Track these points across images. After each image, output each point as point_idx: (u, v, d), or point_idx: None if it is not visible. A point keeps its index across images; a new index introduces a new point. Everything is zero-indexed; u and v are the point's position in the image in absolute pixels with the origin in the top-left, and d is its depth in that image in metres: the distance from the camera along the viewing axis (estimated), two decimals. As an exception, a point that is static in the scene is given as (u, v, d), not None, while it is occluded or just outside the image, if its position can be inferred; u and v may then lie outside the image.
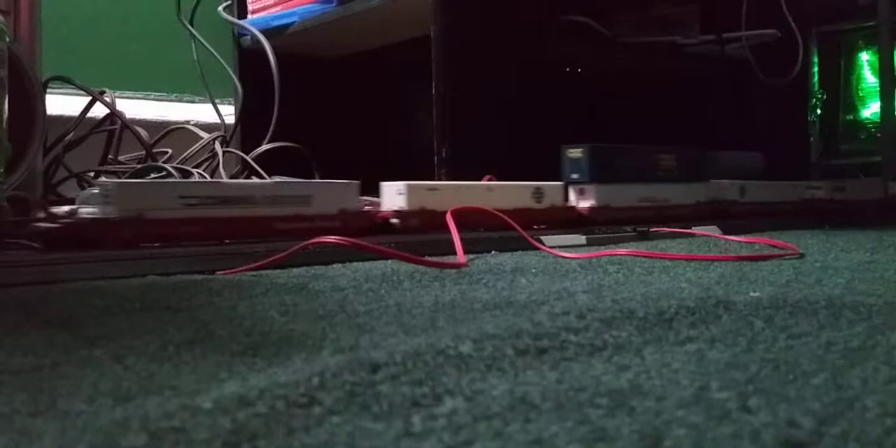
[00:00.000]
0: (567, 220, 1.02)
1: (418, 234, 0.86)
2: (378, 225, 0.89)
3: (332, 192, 0.86)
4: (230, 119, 1.45)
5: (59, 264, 0.64)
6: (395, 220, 0.88)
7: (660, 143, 1.41)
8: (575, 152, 1.07)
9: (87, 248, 0.70)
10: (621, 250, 0.79)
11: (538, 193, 1.00)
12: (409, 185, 0.88)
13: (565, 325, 0.38)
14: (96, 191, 0.99)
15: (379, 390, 0.28)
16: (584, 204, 1.04)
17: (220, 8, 1.43)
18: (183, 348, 0.38)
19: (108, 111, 1.34)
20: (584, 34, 1.33)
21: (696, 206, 1.19)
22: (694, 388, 0.28)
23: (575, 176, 1.05)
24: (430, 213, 0.87)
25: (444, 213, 0.82)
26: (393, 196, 0.89)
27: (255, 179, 0.80)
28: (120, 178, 1.27)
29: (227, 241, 0.77)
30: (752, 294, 0.49)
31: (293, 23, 1.36)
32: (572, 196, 1.05)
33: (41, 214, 0.72)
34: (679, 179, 1.18)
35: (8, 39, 1.03)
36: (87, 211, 0.71)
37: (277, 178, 1.03)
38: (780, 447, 0.22)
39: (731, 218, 1.18)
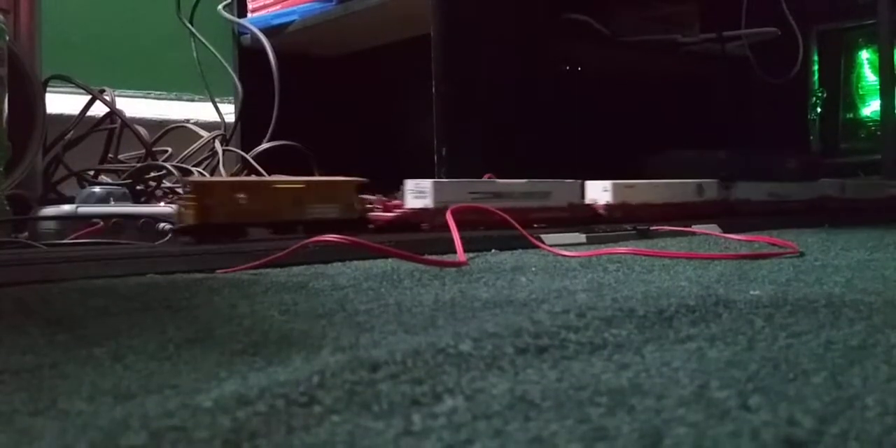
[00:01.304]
0: (721, 211, 1.19)
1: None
2: (594, 216, 1.05)
3: (564, 189, 1.03)
4: (230, 118, 1.45)
5: (59, 263, 0.64)
6: (602, 212, 1.05)
7: (659, 141, 1.41)
8: (721, 154, 1.37)
9: (411, 230, 0.89)
10: (621, 249, 0.79)
11: (699, 189, 1.17)
12: (613, 183, 1.06)
13: (565, 323, 0.38)
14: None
15: (379, 389, 0.28)
16: (736, 197, 1.24)
17: (220, 7, 1.43)
18: (183, 347, 0.38)
19: (107, 110, 1.34)
20: (584, 33, 1.33)
21: (809, 202, 1.33)
22: (694, 387, 0.28)
23: (723, 173, 1.26)
24: (629, 206, 1.07)
25: (640, 205, 1.06)
26: (599, 192, 1.05)
27: (513, 180, 0.99)
28: (120, 177, 1.27)
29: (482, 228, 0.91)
30: (752, 292, 0.49)
31: (293, 21, 1.36)
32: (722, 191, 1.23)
33: (378, 207, 0.92)
34: (798, 178, 1.38)
35: (8, 38, 1.03)
36: (412, 204, 0.91)
37: (277, 177, 1.03)
38: (780, 446, 0.22)
39: (834, 213, 1.32)
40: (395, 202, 0.92)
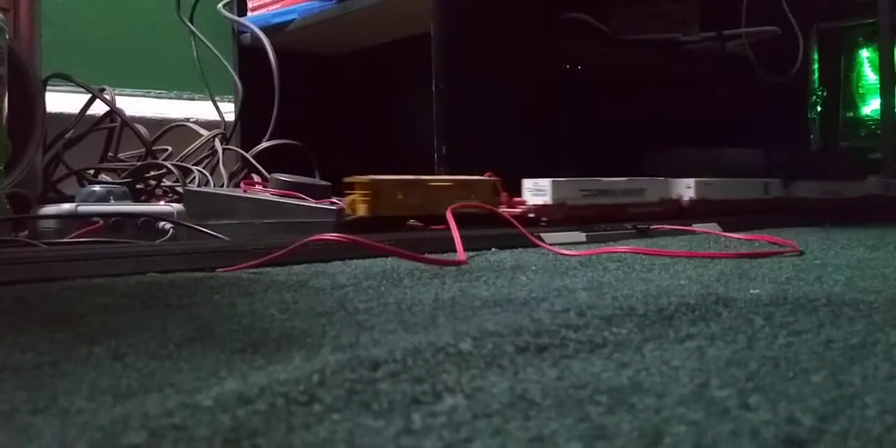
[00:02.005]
0: (785, 207, 1.27)
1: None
2: (679, 210, 1.14)
3: (656, 186, 1.13)
4: (230, 116, 1.45)
5: (59, 262, 0.64)
6: (686, 207, 1.15)
7: (659, 140, 1.41)
8: (781, 156, 1.45)
9: (536, 224, 0.97)
10: (621, 247, 0.79)
11: (766, 187, 1.27)
12: (696, 181, 1.15)
13: (565, 322, 0.38)
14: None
15: (379, 388, 0.28)
16: (795, 195, 1.32)
17: (220, 5, 1.43)
18: (183, 346, 0.38)
19: (107, 108, 1.34)
20: (584, 31, 1.33)
21: (858, 199, 1.40)
22: (694, 386, 0.28)
23: (782, 173, 1.34)
24: (709, 201, 1.17)
25: (718, 201, 1.16)
26: (682, 189, 1.16)
27: (615, 178, 1.09)
28: (120, 175, 1.27)
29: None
30: (752, 291, 0.49)
31: (293, 20, 1.36)
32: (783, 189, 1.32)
33: (506, 203, 1.01)
34: (848, 177, 1.45)
35: (8, 37, 1.03)
36: (532, 201, 1.00)
37: (277, 176, 1.03)
38: (779, 444, 0.22)
39: (879, 208, 1.38)
40: (519, 199, 1.01)
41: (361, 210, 0.88)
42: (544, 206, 0.99)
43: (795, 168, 1.39)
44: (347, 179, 0.91)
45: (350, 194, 0.90)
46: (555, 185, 1.00)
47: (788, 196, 1.29)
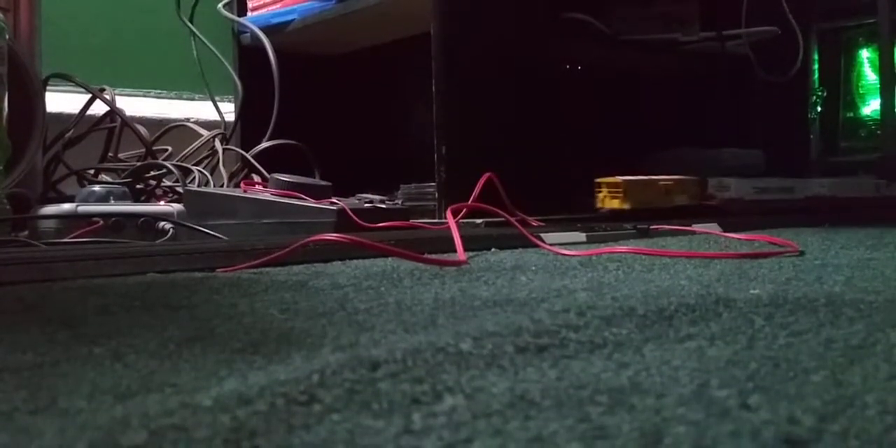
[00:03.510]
0: (881, 205, 1.38)
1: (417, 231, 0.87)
2: (819, 205, 1.29)
3: (803, 185, 1.29)
4: (230, 117, 1.45)
5: (59, 262, 0.64)
6: (822, 203, 1.30)
7: (659, 140, 1.41)
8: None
9: (724, 217, 1.09)
10: (621, 248, 0.79)
11: (878, 186, 1.41)
12: (830, 180, 1.33)
13: (565, 322, 0.38)
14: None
15: (379, 388, 0.28)
16: (888, 193, 1.44)
17: (220, 5, 1.43)
18: (183, 346, 0.38)
19: (107, 109, 1.34)
20: (585, 32, 1.33)
21: None
22: (694, 386, 0.28)
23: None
24: (839, 199, 1.32)
25: (846, 199, 1.32)
26: (816, 187, 1.32)
27: (773, 177, 1.26)
28: (120, 175, 1.27)
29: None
30: (752, 291, 0.49)
31: (293, 20, 1.36)
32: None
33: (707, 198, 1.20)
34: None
35: (8, 37, 1.03)
36: (721, 196, 1.20)
37: (277, 176, 1.03)
38: (780, 445, 0.22)
39: None
40: (710, 193, 1.20)
41: (614, 204, 1.11)
42: (730, 200, 1.20)
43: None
44: (598, 180, 1.13)
45: (599, 192, 1.12)
46: (737, 184, 1.22)
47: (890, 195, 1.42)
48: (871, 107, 1.86)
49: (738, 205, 1.21)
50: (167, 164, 1.24)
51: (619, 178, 1.12)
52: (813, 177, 1.38)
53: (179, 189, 1.17)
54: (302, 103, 1.40)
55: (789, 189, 1.28)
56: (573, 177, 1.20)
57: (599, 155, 1.36)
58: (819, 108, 1.82)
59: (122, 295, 0.53)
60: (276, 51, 1.32)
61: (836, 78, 1.88)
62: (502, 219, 0.94)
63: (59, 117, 1.35)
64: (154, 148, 1.34)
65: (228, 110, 1.48)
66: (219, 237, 0.88)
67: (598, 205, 1.12)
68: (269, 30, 1.36)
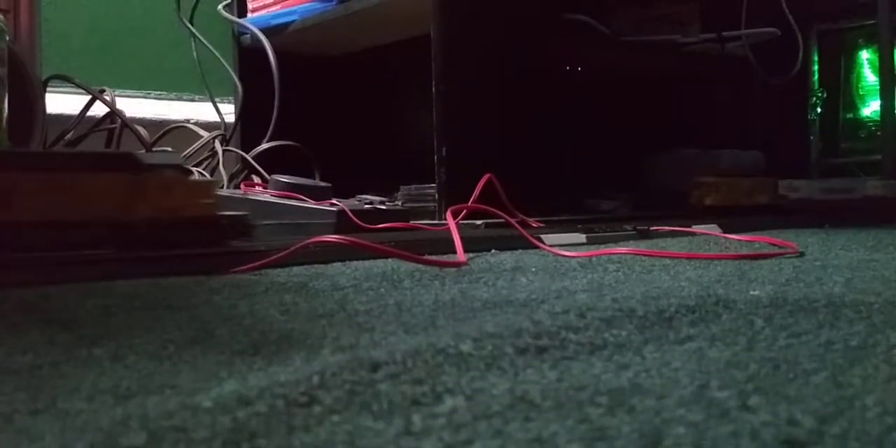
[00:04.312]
0: None
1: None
2: (881, 206, 1.31)
3: (862, 185, 1.33)
4: (230, 118, 1.45)
5: (59, 264, 0.64)
6: (885, 204, 1.33)
7: (659, 141, 1.41)
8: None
9: (869, 217, 1.19)
10: (621, 249, 0.79)
11: None
12: (888, 182, 1.33)
13: (565, 323, 0.38)
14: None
15: (379, 389, 0.28)
16: None
17: (220, 6, 1.43)
18: (183, 347, 0.38)
19: (107, 110, 1.34)
20: (584, 33, 1.33)
21: None
22: (694, 387, 0.28)
23: None
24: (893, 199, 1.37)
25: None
26: (872, 189, 1.35)
27: (838, 178, 1.35)
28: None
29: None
30: (752, 293, 0.49)
31: (293, 21, 1.36)
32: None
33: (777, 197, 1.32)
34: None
35: (8, 38, 1.03)
36: (792, 196, 1.32)
37: (277, 178, 1.03)
38: (779, 446, 0.22)
39: None
40: (782, 193, 1.33)
41: (709, 201, 1.26)
42: (799, 200, 1.32)
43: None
44: (697, 179, 1.27)
45: (697, 191, 1.27)
46: (808, 184, 1.36)
47: None
48: (871, 108, 1.86)
49: (808, 204, 1.32)
50: (167, 165, 1.24)
51: (714, 179, 1.28)
52: (869, 178, 1.43)
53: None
54: (302, 104, 1.40)
55: (850, 189, 1.36)
56: (573, 178, 1.20)
57: (599, 156, 1.37)
58: (819, 110, 1.82)
59: (121, 296, 0.53)
60: (276, 52, 1.31)
61: (836, 79, 1.88)
62: (502, 220, 0.94)
63: (60, 118, 1.35)
64: (154, 149, 1.34)
65: (228, 111, 1.48)
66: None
67: (694, 201, 1.27)
68: (270, 31, 1.36)
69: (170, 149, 1.37)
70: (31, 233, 0.65)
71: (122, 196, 0.69)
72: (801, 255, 0.74)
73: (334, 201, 0.97)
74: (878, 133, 1.73)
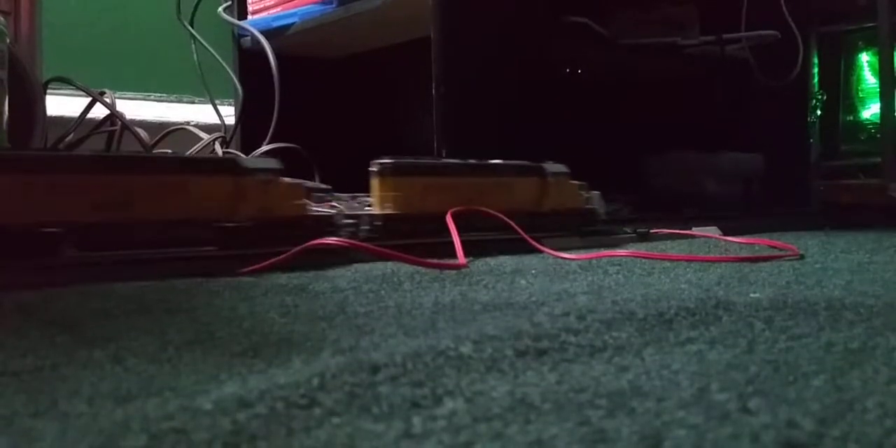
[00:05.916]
0: None
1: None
2: None
3: None
4: (230, 120, 1.45)
5: (59, 266, 0.64)
6: None
7: (659, 143, 1.41)
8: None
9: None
10: (621, 251, 0.79)
11: None
12: None
13: (565, 326, 0.38)
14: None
15: (379, 391, 0.28)
16: None
17: (221, 9, 1.43)
18: (183, 349, 0.38)
19: (108, 112, 1.34)
20: (584, 35, 1.33)
21: None
22: (694, 389, 0.28)
23: None
24: None
25: None
26: None
27: None
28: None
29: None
30: (752, 295, 0.49)
31: (293, 24, 1.36)
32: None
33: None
34: None
35: (8, 40, 1.03)
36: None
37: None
38: (779, 448, 0.22)
39: None
40: (890, 194, 1.42)
41: (847, 199, 1.41)
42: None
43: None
44: (843, 182, 1.45)
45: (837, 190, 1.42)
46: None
47: None
48: (871, 110, 1.86)
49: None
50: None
51: (852, 181, 1.45)
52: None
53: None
54: (302, 106, 1.41)
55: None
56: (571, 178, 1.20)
57: (599, 158, 1.37)
58: (819, 112, 1.82)
59: (121, 298, 0.53)
60: (276, 54, 1.31)
61: (835, 81, 1.88)
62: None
63: (60, 121, 1.35)
64: (154, 151, 1.34)
65: (229, 113, 1.48)
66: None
67: (834, 198, 1.43)
68: (270, 33, 1.36)
69: (170, 151, 1.37)
70: (146, 231, 0.69)
71: (226, 197, 0.73)
72: (802, 257, 0.74)
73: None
74: (878, 135, 1.73)
